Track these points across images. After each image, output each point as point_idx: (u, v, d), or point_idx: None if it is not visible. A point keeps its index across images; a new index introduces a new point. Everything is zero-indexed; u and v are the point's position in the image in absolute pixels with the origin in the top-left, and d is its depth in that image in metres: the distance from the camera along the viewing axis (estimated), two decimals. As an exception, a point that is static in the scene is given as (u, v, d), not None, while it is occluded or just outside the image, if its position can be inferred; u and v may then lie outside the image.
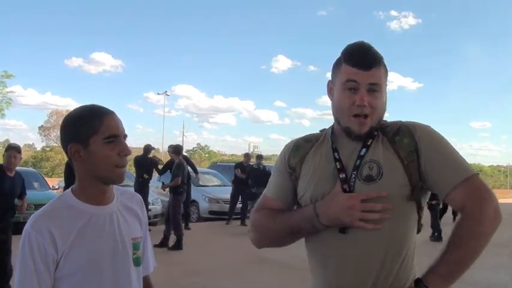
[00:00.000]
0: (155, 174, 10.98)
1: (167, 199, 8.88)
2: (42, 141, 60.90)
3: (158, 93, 63.51)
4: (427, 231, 9.20)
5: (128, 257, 1.44)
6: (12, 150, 5.13)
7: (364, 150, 1.45)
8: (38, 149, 65.34)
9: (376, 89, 1.42)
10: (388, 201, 1.37)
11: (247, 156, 12.15)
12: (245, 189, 11.00)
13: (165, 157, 10.77)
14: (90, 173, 1.39)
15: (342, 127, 1.47)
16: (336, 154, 1.49)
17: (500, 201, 1.51)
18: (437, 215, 10.06)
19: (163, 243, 7.96)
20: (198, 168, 12.56)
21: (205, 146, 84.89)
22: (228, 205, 11.91)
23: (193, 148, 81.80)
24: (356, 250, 1.40)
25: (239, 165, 11.82)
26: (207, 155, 79.31)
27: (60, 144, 1.44)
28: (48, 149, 55.31)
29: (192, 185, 10.77)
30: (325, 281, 1.46)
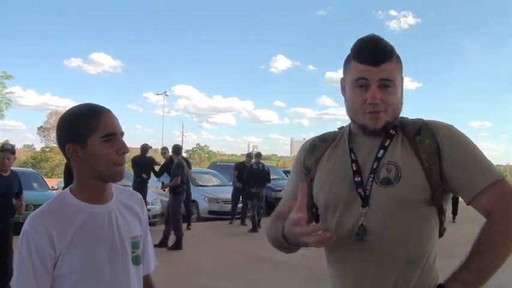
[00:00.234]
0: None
1: (167, 199, 8.89)
2: (41, 142, 60.72)
3: (157, 94, 63.56)
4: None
5: (127, 255, 1.44)
6: (6, 152, 5.12)
7: (381, 151, 1.39)
8: (38, 149, 65.20)
9: (388, 84, 1.36)
10: (406, 205, 1.32)
11: (249, 156, 12.08)
12: (245, 189, 10.99)
13: (161, 159, 10.69)
14: (89, 172, 1.39)
15: (357, 124, 1.43)
16: (352, 155, 1.44)
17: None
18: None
19: (162, 243, 7.96)
20: (198, 168, 12.57)
21: (205, 146, 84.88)
22: (227, 205, 11.93)
23: (193, 148, 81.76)
24: (373, 257, 1.34)
25: (240, 166, 11.77)
26: (206, 155, 79.25)
27: (58, 143, 1.43)
28: (47, 149, 55.14)
29: (191, 185, 10.78)
30: (342, 286, 1.43)
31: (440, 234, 1.42)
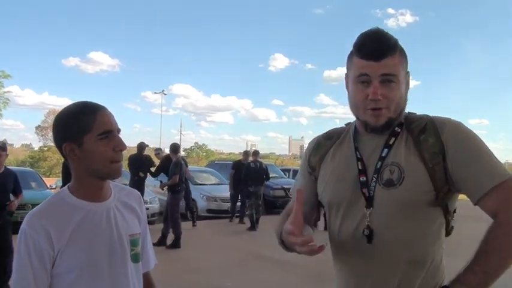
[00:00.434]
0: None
1: (165, 198, 8.88)
2: (39, 141, 60.75)
3: (155, 93, 63.35)
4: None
5: (126, 253, 1.44)
6: None
7: (386, 150, 1.36)
8: (36, 148, 65.21)
9: (391, 79, 1.32)
10: (409, 207, 1.30)
11: (246, 154, 12.01)
12: (243, 187, 10.98)
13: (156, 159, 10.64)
14: (86, 170, 1.38)
15: (361, 121, 1.41)
16: (357, 153, 1.41)
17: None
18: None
19: (161, 242, 7.94)
20: (196, 167, 12.55)
21: (203, 144, 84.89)
22: (226, 203, 11.94)
23: (191, 147, 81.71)
24: (376, 258, 1.34)
25: (237, 164, 11.74)
26: (204, 153, 79.22)
27: (55, 143, 1.43)
28: (45, 148, 55.06)
29: (189, 184, 10.78)
30: (347, 286, 1.43)
31: (448, 233, 1.40)
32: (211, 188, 13.11)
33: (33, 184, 10.42)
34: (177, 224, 8.12)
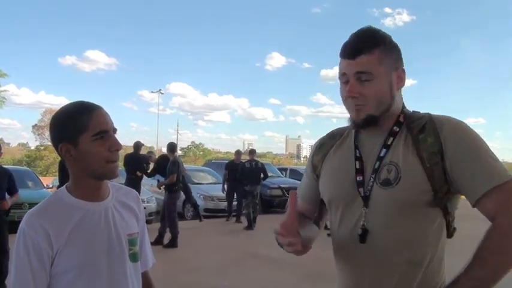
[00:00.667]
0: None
1: (162, 197, 8.87)
2: (36, 140, 60.68)
3: (152, 91, 63.41)
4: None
5: (124, 252, 1.44)
6: None
7: (384, 150, 1.35)
8: (32, 148, 65.11)
9: (365, 77, 1.32)
10: (406, 207, 1.28)
11: (238, 153, 12.00)
12: (238, 186, 10.99)
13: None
14: (83, 170, 1.39)
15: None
16: (357, 151, 1.42)
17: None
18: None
19: (158, 241, 7.94)
20: (193, 166, 12.54)
21: (200, 143, 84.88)
22: (223, 202, 11.93)
23: (188, 146, 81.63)
24: (373, 258, 1.33)
25: (230, 165, 11.69)
26: (201, 152, 79.20)
27: (52, 143, 1.43)
28: (42, 147, 55.03)
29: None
30: (347, 285, 1.43)
31: (449, 235, 1.38)
32: (208, 187, 13.11)
33: (29, 183, 10.41)
34: (174, 223, 8.11)
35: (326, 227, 1.56)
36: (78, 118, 1.36)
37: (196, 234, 9.55)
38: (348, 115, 1.47)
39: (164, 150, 10.12)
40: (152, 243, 7.42)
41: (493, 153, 1.28)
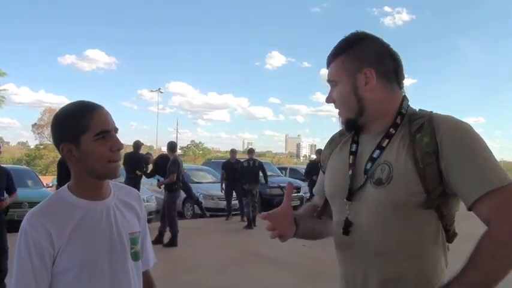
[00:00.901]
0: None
1: (162, 196, 8.87)
2: (35, 139, 60.63)
3: (152, 91, 63.46)
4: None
5: (126, 251, 1.44)
6: None
7: (377, 151, 1.35)
8: (32, 147, 65.06)
9: (333, 84, 1.44)
10: (396, 207, 1.27)
11: (233, 152, 12.03)
12: (237, 185, 10.99)
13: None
14: (85, 170, 1.39)
15: None
16: (353, 146, 1.44)
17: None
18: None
19: (158, 240, 7.94)
20: (192, 165, 12.53)
21: (200, 143, 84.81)
22: (223, 201, 11.92)
23: (188, 145, 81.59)
24: (359, 253, 1.35)
25: (226, 164, 11.69)
26: (201, 152, 79.16)
27: (53, 142, 1.43)
28: (41, 146, 54.98)
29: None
30: (340, 280, 1.46)
31: (449, 239, 1.34)
32: (208, 186, 13.11)
33: (29, 182, 10.41)
34: (174, 223, 8.12)
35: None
36: (80, 118, 1.36)
37: (196, 233, 9.55)
38: None
39: (164, 149, 10.11)
40: (152, 242, 7.40)
41: (491, 155, 1.23)
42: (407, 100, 1.41)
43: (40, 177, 11.94)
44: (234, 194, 11.50)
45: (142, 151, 10.49)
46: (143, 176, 9.79)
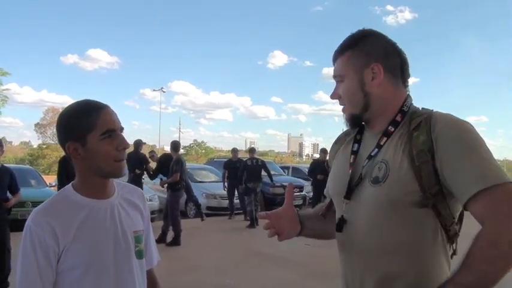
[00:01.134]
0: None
1: (164, 195, 8.88)
2: (38, 139, 60.72)
3: (154, 90, 63.45)
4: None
5: (130, 249, 1.45)
6: None
7: (376, 150, 1.35)
8: (35, 146, 65.19)
9: (338, 79, 1.43)
10: (392, 205, 1.26)
11: (235, 152, 12.09)
12: (239, 184, 11.00)
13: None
14: (90, 169, 1.39)
15: None
16: (355, 145, 1.45)
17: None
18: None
19: (161, 239, 7.95)
20: (195, 165, 12.53)
21: (202, 142, 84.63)
22: (226, 201, 11.94)
23: (190, 144, 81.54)
24: (354, 250, 1.36)
25: (228, 164, 11.72)
26: (203, 151, 79.05)
27: (56, 142, 1.44)
28: (44, 146, 55.06)
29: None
30: (340, 279, 1.47)
31: (450, 240, 1.30)
32: (211, 185, 13.12)
33: (32, 182, 10.43)
34: (176, 222, 8.13)
35: None
36: (86, 117, 1.36)
37: (199, 232, 9.56)
38: None
39: (166, 148, 10.12)
40: (155, 241, 7.48)
41: (488, 153, 1.20)
42: (411, 99, 1.41)
43: (43, 176, 11.96)
44: (236, 193, 11.50)
45: (146, 150, 10.49)
46: (144, 175, 9.80)
